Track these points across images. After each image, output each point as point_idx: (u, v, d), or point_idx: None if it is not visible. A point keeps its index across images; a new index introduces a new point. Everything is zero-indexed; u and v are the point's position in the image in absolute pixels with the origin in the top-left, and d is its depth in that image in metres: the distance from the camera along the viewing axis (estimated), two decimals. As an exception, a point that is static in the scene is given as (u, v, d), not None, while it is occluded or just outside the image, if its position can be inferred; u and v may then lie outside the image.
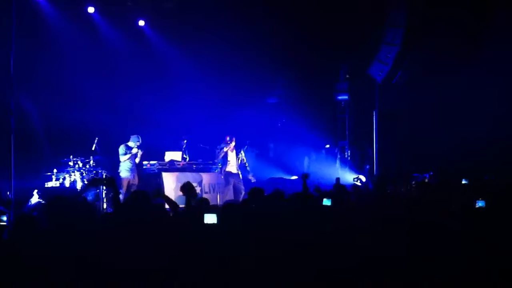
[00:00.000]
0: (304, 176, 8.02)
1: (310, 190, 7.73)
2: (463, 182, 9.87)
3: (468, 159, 14.34)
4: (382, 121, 16.76)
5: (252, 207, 5.84)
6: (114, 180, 6.07)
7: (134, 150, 12.46)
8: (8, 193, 9.63)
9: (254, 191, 6.38)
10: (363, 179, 15.72)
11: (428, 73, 15.32)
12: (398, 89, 15.54)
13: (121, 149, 12.53)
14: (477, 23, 14.61)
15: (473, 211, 5.23)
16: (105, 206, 12.27)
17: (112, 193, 11.18)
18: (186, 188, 6.43)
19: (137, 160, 12.67)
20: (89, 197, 11.54)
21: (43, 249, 4.21)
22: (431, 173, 14.08)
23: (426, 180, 13.63)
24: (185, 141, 14.35)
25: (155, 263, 4.29)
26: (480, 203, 5.30)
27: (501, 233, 4.43)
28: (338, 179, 9.00)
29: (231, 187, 13.95)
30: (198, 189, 12.61)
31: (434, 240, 4.31)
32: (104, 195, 12.49)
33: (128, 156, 12.46)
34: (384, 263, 4.03)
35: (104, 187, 12.65)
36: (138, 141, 12.56)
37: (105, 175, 12.24)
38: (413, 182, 12.23)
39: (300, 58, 17.28)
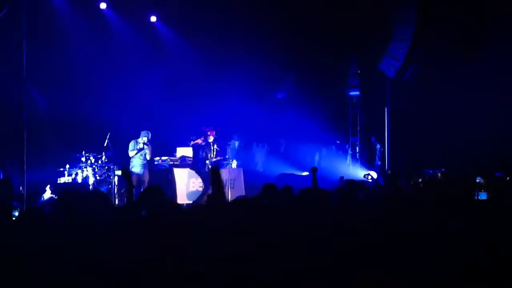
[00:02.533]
0: (313, 170, 7.96)
1: (320, 184, 7.71)
2: (478, 180, 9.81)
3: (480, 156, 14.24)
4: (394, 117, 16.67)
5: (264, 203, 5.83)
6: (129, 173, 6.07)
7: (140, 145, 12.50)
8: (20, 188, 9.72)
9: (267, 187, 6.36)
10: (374, 175, 15.67)
11: (440, 69, 15.22)
12: (410, 85, 15.45)
13: (131, 144, 12.60)
14: (487, 18, 14.49)
15: (475, 203, 5.22)
16: (116, 201, 12.35)
17: (124, 188, 11.33)
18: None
19: (148, 156, 12.71)
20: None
21: (50, 244, 4.24)
22: (443, 169, 14.02)
23: (439, 176, 13.57)
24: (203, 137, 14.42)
25: (164, 257, 4.31)
26: (482, 196, 5.29)
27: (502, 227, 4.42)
28: (342, 178, 8.92)
29: (242, 182, 14.01)
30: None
31: (439, 239, 4.30)
32: (116, 190, 12.57)
33: (135, 151, 12.50)
34: (388, 261, 4.04)
35: (116, 183, 12.78)
36: (147, 137, 12.59)
37: (121, 167, 12.32)
38: (420, 180, 12.16)
39: (311, 52, 17.22)
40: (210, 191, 11.90)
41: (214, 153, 13.39)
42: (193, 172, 13.29)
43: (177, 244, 4.49)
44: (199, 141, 13.18)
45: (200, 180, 13.20)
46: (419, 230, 4.58)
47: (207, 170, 12.69)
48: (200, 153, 12.99)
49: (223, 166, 14.18)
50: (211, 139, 13.12)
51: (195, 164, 13.14)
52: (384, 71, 15.83)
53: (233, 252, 4.40)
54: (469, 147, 14.61)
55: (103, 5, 14.82)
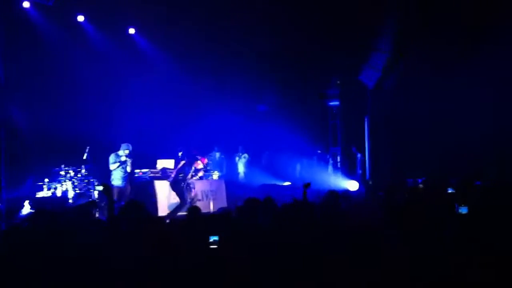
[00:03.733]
0: (305, 186, 7.96)
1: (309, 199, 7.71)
2: (449, 191, 9.83)
3: (462, 164, 14.37)
4: (373, 127, 16.79)
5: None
6: (110, 188, 6.03)
7: (123, 158, 12.36)
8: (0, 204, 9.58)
9: (249, 201, 6.32)
10: (356, 184, 15.76)
11: (419, 79, 15.38)
12: (389, 95, 15.60)
13: (111, 157, 12.45)
14: (471, 28, 14.68)
15: (456, 217, 5.24)
16: (97, 214, 12.20)
17: (104, 202, 11.21)
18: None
19: (128, 168, 12.57)
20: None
21: (32, 259, 4.18)
22: (424, 178, 14.09)
23: (420, 186, 13.63)
24: (181, 152, 14.29)
25: (147, 271, 4.28)
26: (462, 210, 5.30)
27: (485, 238, 4.46)
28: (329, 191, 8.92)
29: (224, 193, 13.98)
30: (192, 194, 12.56)
31: (422, 249, 4.33)
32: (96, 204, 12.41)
33: (117, 164, 12.35)
34: (370, 272, 4.05)
35: (96, 196, 12.65)
36: (128, 149, 12.46)
37: (101, 183, 12.16)
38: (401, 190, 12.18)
39: (291, 64, 17.34)
40: (186, 204, 11.90)
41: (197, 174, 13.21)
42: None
43: (157, 257, 4.46)
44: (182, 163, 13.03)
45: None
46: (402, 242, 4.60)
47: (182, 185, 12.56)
48: (186, 170, 12.82)
49: (203, 177, 14.08)
50: (199, 166, 12.93)
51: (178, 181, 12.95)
52: (364, 82, 15.97)
53: (216, 263, 4.39)
54: (449, 155, 14.75)
55: (80, 18, 14.73)
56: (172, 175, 12.59)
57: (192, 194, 12.57)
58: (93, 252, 4.47)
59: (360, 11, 15.00)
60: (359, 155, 17.24)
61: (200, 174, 13.02)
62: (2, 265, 4.31)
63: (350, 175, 16.85)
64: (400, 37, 14.76)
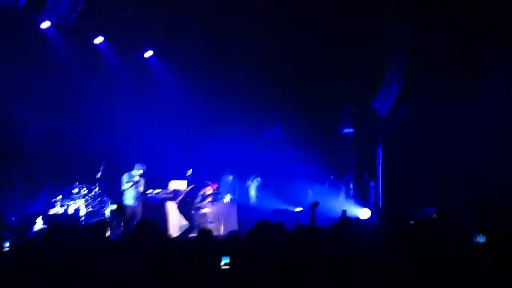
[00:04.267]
0: (313, 206, 7.92)
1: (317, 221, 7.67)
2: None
3: (475, 193, 14.29)
4: (387, 155, 16.73)
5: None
6: (123, 208, 6.15)
7: (136, 178, 12.44)
8: (13, 218, 9.65)
9: (261, 224, 6.30)
10: (368, 212, 15.65)
11: (432, 108, 15.38)
12: (403, 123, 15.60)
13: (124, 177, 12.52)
14: (479, 56, 14.71)
15: (473, 246, 5.18)
16: (108, 233, 12.22)
17: (115, 221, 11.26)
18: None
19: (141, 188, 12.64)
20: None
21: (42, 277, 4.21)
22: (437, 207, 14.00)
23: (434, 216, 13.54)
24: (190, 170, 14.33)
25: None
26: (480, 239, 5.24)
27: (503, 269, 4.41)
28: (344, 211, 8.84)
29: (235, 217, 13.96)
30: (202, 218, 12.55)
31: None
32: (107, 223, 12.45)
33: (130, 184, 12.42)
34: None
35: (108, 215, 12.71)
36: (142, 169, 12.54)
37: (116, 202, 12.21)
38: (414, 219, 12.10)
39: (305, 90, 17.44)
40: (195, 227, 11.89)
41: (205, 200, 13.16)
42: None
43: (169, 275, 4.47)
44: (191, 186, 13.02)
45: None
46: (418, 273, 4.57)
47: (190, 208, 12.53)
48: (195, 194, 12.76)
49: (215, 199, 14.06)
50: (209, 191, 12.87)
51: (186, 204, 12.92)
52: (377, 110, 16.00)
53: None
54: (464, 184, 14.66)
55: (98, 39, 14.96)
56: (179, 198, 12.60)
57: (202, 219, 12.54)
58: (103, 270, 4.49)
59: (373, 39, 15.12)
60: (371, 183, 17.15)
61: (209, 199, 12.97)
62: (11, 279, 4.34)
63: (362, 203, 16.75)
64: (413, 66, 14.81)
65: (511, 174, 14.23)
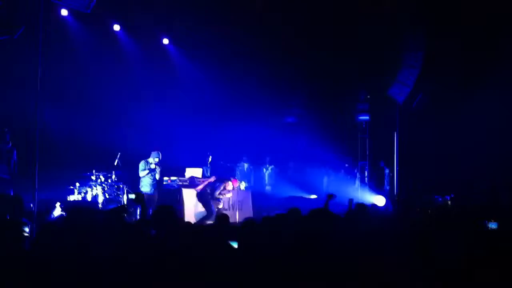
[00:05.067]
0: (329, 197, 8.06)
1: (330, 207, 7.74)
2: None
3: (489, 183, 14.25)
4: (402, 142, 16.71)
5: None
6: (142, 197, 6.33)
7: (152, 166, 12.55)
8: (31, 204, 9.78)
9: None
10: (383, 200, 15.66)
11: (449, 95, 15.31)
12: (419, 111, 15.54)
13: (141, 164, 12.63)
14: (496, 47, 14.61)
15: (485, 233, 5.22)
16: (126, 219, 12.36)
17: (132, 208, 11.39)
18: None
19: (157, 176, 12.75)
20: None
21: (65, 260, 4.30)
22: (452, 195, 14.00)
23: (449, 202, 13.54)
24: (210, 157, 14.41)
25: (176, 274, 4.36)
26: (492, 225, 5.29)
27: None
28: (351, 200, 8.81)
29: (250, 204, 14.04)
30: (219, 205, 12.62)
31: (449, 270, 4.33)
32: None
33: (146, 172, 12.54)
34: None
35: (125, 202, 12.85)
36: (158, 157, 12.64)
37: (134, 192, 12.33)
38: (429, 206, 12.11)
39: (320, 77, 17.40)
40: (213, 215, 11.97)
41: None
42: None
43: (186, 262, 4.54)
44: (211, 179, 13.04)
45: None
46: (428, 260, 4.60)
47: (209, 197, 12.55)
48: (216, 186, 12.74)
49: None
50: (229, 187, 12.88)
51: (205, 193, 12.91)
52: (394, 97, 15.93)
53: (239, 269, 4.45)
54: (478, 174, 14.62)
55: (116, 27, 15.07)
56: (200, 187, 12.66)
57: (219, 206, 12.61)
58: (122, 254, 4.58)
59: (391, 25, 15.03)
60: (387, 170, 17.14)
61: (229, 195, 13.03)
62: (37, 265, 4.42)
63: (377, 190, 16.76)
64: (431, 53, 14.72)
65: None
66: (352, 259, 4.53)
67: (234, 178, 13.17)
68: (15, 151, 12.14)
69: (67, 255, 4.34)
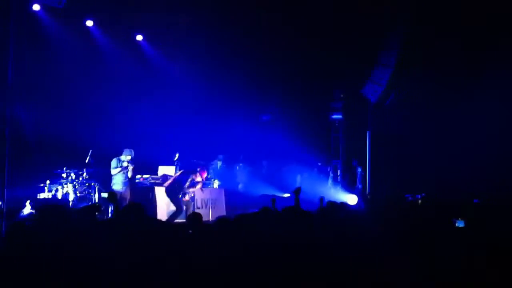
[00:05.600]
0: (296, 192, 8.09)
1: (302, 205, 7.79)
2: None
3: (461, 182, 14.48)
4: (375, 141, 16.88)
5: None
6: (115, 195, 6.34)
7: (125, 164, 12.44)
8: (0, 202, 9.65)
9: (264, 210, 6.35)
10: (355, 199, 15.80)
11: (421, 95, 15.51)
12: (392, 110, 15.72)
13: (113, 162, 12.52)
14: (478, 44, 14.82)
15: (453, 230, 5.34)
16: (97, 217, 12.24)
17: (103, 206, 11.30)
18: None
19: (129, 174, 12.65)
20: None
21: (36, 257, 4.25)
22: (423, 194, 14.17)
23: (419, 201, 13.70)
24: (177, 154, 14.33)
25: (144, 270, 4.35)
26: (459, 223, 5.42)
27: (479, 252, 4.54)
28: (322, 198, 8.89)
29: (223, 202, 14.04)
30: (186, 198, 12.59)
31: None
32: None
33: (118, 169, 12.43)
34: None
35: (97, 200, 12.73)
36: (130, 155, 12.53)
37: (107, 191, 12.20)
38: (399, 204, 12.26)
39: (294, 76, 17.47)
40: (182, 212, 11.95)
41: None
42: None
43: (156, 257, 4.53)
44: (179, 172, 13.00)
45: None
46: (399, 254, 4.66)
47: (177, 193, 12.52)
48: (183, 179, 12.70)
49: (204, 185, 14.08)
50: (198, 178, 12.84)
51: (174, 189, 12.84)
52: (367, 96, 16.08)
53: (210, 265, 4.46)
54: (449, 172, 14.84)
55: (89, 23, 14.90)
56: (169, 182, 12.63)
57: (186, 198, 12.56)
58: (93, 251, 4.55)
59: (365, 24, 15.16)
60: (359, 169, 17.29)
61: (198, 186, 12.98)
62: (6, 264, 4.37)
63: (349, 189, 16.90)
64: (404, 52, 14.89)
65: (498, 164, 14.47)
66: (325, 257, 4.57)
67: (202, 169, 13.06)
68: None
69: (38, 253, 4.29)
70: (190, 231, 5.38)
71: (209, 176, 14.57)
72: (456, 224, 5.44)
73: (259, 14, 15.15)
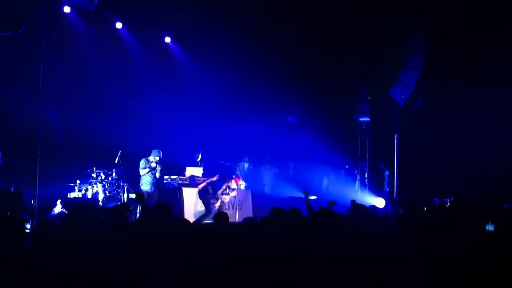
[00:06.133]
0: (305, 195, 8.16)
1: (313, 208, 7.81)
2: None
3: (491, 187, 14.25)
4: (403, 144, 16.70)
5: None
6: (143, 196, 6.43)
7: (153, 164, 12.59)
8: (32, 201, 9.82)
9: (276, 210, 6.40)
10: (383, 202, 15.67)
11: (450, 98, 15.31)
12: (420, 113, 15.55)
13: (142, 163, 12.68)
14: (497, 47, 14.61)
15: (483, 234, 5.26)
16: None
17: (132, 206, 11.42)
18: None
19: (157, 174, 12.79)
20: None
21: (64, 256, 4.31)
22: (452, 198, 13.99)
23: (448, 205, 13.54)
24: (200, 155, 14.41)
25: (169, 270, 4.38)
26: (489, 227, 5.34)
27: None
28: (353, 201, 8.89)
29: (250, 204, 14.06)
30: (216, 204, 12.64)
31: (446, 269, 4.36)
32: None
33: (147, 170, 12.58)
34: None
35: (125, 200, 12.87)
36: (159, 156, 12.68)
37: (135, 192, 12.35)
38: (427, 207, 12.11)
39: (322, 77, 17.41)
40: (212, 213, 12.00)
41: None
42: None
43: (184, 260, 4.56)
44: (214, 178, 13.09)
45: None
46: (427, 258, 4.62)
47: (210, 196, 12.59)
48: (218, 185, 12.77)
49: None
50: (233, 185, 12.91)
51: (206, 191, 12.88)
52: (395, 99, 15.93)
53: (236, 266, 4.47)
54: (478, 177, 14.62)
55: (118, 25, 15.07)
56: (202, 185, 12.72)
57: (217, 205, 12.64)
58: (121, 251, 4.60)
59: (393, 28, 15.04)
60: (387, 172, 17.13)
61: (232, 194, 13.07)
62: (34, 262, 4.43)
63: (377, 192, 16.76)
64: (432, 55, 14.72)
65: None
66: (352, 260, 4.55)
67: (236, 176, 13.19)
68: None
69: (66, 252, 4.35)
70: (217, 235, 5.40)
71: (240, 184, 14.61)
72: (486, 228, 5.37)
73: (286, 15, 15.14)
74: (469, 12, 14.21)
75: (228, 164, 14.85)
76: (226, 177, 12.76)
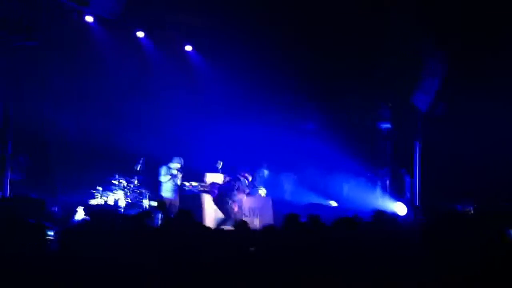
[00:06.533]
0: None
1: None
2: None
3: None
4: (424, 151, 16.57)
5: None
6: (164, 204, 6.47)
7: (174, 172, 12.67)
8: (55, 208, 9.93)
9: (290, 217, 6.40)
10: (405, 209, 15.55)
11: (471, 105, 15.15)
12: (441, 120, 15.42)
13: (163, 170, 12.76)
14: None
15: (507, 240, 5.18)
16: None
17: (153, 213, 11.49)
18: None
19: (178, 181, 12.86)
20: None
21: (89, 265, 4.35)
22: (475, 205, 13.84)
23: (471, 212, 13.39)
24: (221, 162, 14.44)
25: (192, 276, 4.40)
26: (513, 232, 5.26)
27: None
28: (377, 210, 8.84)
29: (271, 211, 14.04)
30: (235, 208, 12.67)
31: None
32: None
33: (168, 177, 12.66)
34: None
35: (147, 207, 12.96)
36: (180, 163, 12.75)
37: (156, 199, 12.42)
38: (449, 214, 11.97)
39: (342, 84, 17.36)
40: (231, 219, 12.04)
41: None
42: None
43: (206, 267, 4.57)
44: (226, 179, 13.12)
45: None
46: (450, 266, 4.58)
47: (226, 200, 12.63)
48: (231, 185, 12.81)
49: (251, 193, 14.12)
50: (247, 180, 12.93)
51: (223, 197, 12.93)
52: (416, 105, 15.83)
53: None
54: (501, 183, 14.44)
55: (140, 34, 15.19)
56: (216, 191, 12.79)
57: (235, 209, 12.66)
58: (143, 258, 4.63)
59: (414, 33, 14.97)
60: (408, 179, 16.99)
61: (246, 191, 13.09)
62: (57, 268, 4.47)
63: (398, 198, 16.62)
64: (454, 61, 14.61)
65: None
66: (374, 268, 4.53)
67: (244, 173, 13.15)
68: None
69: (91, 259, 4.39)
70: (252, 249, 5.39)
71: (255, 184, 14.61)
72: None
73: (305, 20, 15.14)
74: (491, 14, 14.08)
75: (247, 169, 14.87)
76: (235, 178, 12.80)
